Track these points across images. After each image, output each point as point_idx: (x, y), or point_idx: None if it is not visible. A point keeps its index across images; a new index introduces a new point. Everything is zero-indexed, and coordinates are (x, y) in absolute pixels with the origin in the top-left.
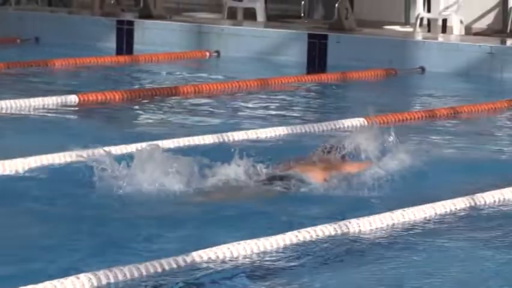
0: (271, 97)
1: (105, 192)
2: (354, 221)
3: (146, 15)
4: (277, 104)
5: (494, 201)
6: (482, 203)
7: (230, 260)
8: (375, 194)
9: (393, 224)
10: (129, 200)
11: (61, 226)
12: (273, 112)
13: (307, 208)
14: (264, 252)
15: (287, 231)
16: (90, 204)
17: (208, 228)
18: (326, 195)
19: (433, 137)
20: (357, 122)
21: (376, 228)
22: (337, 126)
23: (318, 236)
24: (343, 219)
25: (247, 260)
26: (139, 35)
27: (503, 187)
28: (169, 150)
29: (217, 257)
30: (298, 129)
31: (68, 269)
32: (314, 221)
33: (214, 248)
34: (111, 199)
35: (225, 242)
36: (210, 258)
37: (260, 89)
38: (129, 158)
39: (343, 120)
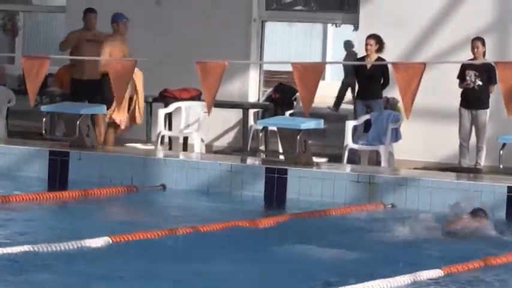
0: (12, 214)
1: None
2: None
3: None
4: (19, 222)
5: None
6: None
7: None
8: None
9: None
10: None
11: None
12: (14, 230)
13: None
14: None
15: None
16: None
17: None
18: None
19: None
20: (101, 241)
21: None
22: (82, 245)
23: None
24: None
25: None
26: None
27: None
28: None
29: None
30: (44, 247)
31: None
32: None
33: None
34: None
35: None
36: None
37: (1, 206)
38: None
39: (88, 240)
